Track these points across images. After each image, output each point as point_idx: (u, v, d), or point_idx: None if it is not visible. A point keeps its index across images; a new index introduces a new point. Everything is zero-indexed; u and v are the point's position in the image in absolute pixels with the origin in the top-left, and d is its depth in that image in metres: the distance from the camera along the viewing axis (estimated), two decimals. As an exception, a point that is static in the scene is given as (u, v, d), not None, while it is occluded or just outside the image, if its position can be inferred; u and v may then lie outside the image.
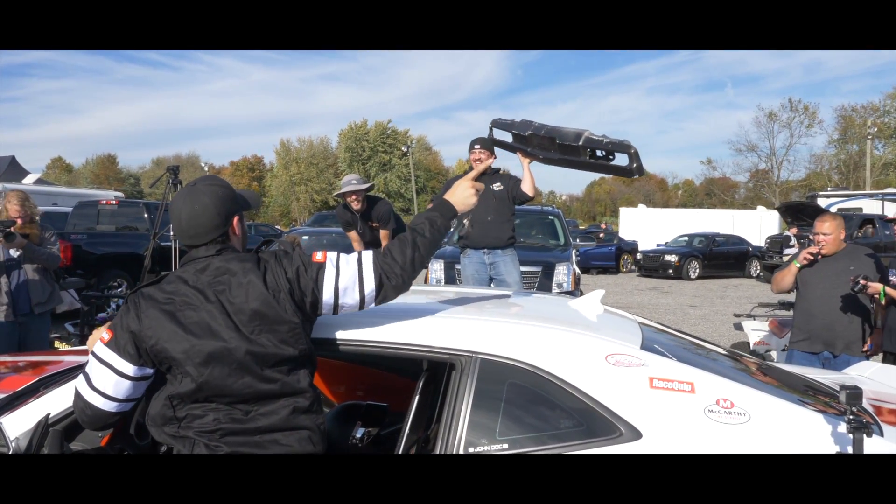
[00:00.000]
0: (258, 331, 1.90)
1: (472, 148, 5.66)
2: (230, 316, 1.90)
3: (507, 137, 5.19)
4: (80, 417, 1.99)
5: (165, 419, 1.93)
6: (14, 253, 4.73)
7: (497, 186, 5.66)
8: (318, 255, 2.06)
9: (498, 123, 5.19)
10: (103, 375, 1.92)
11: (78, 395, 1.97)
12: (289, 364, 1.95)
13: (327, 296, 2.01)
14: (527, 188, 5.49)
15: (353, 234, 6.43)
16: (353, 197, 5.99)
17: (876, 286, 3.92)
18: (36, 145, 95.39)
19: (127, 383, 1.92)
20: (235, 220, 2.06)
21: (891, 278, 4.03)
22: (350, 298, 2.04)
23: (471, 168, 5.71)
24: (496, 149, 5.51)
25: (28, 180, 17.90)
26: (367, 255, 2.08)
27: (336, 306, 2.04)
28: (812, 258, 4.40)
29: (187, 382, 1.88)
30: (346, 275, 2.03)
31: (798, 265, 4.49)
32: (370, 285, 2.04)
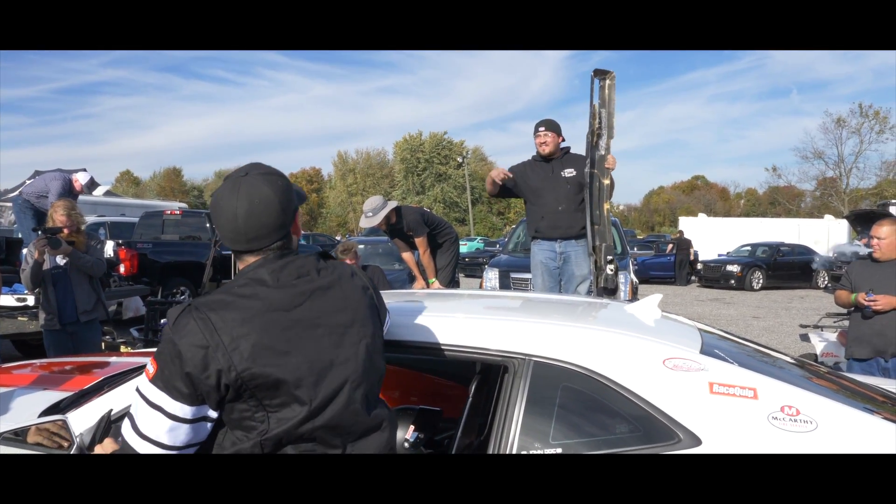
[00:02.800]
0: (361, 340, 1.65)
1: (536, 130, 5.38)
2: (332, 323, 1.62)
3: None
4: None
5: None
6: (60, 261, 4.87)
7: (569, 172, 5.33)
8: None
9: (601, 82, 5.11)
10: (152, 419, 1.52)
11: (125, 448, 1.57)
12: (380, 383, 1.75)
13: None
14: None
15: (397, 241, 6.63)
16: (376, 225, 6.20)
17: None
18: (106, 159, 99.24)
19: (184, 427, 1.53)
20: (297, 213, 1.73)
21: None
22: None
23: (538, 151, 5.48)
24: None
25: (98, 192, 18.58)
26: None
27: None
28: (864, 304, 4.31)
29: (293, 411, 1.52)
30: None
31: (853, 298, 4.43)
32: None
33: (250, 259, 1.64)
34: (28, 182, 8.66)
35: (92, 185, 8.34)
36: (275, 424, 1.52)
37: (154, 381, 1.51)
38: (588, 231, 5.12)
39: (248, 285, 1.57)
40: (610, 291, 5.08)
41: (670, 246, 21.81)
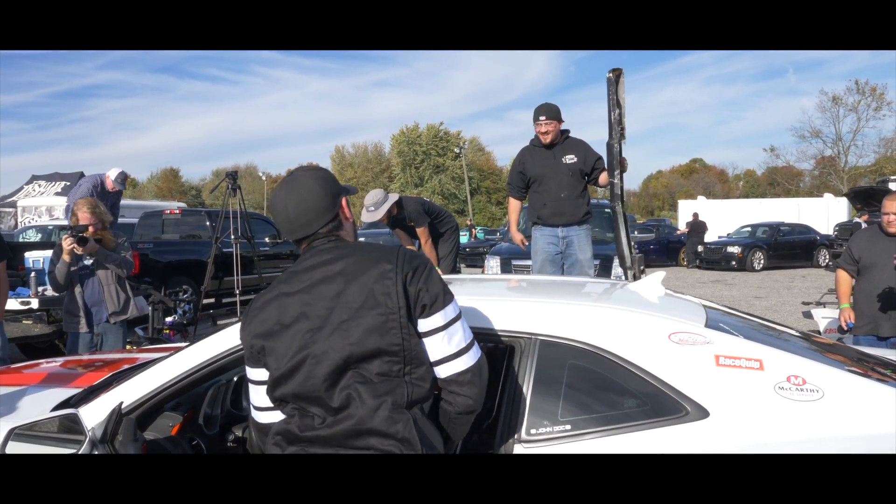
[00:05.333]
0: (335, 331, 1.68)
1: (536, 118, 5.32)
2: (318, 310, 1.71)
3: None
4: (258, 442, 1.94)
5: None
6: (87, 261, 4.77)
7: (570, 159, 5.31)
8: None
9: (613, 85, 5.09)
10: (253, 391, 1.85)
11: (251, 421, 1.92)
12: (383, 357, 1.69)
13: (436, 319, 1.73)
14: (604, 180, 5.29)
15: (398, 232, 6.68)
16: (379, 219, 6.29)
17: None
18: (104, 162, 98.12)
19: (262, 389, 1.81)
20: (343, 200, 1.89)
21: None
22: (439, 347, 1.73)
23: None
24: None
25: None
26: (481, 357, 1.81)
27: (429, 334, 1.74)
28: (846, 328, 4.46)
29: (272, 375, 1.75)
30: (463, 329, 1.78)
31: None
32: (465, 362, 1.75)
33: (305, 246, 1.85)
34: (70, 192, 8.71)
35: (123, 178, 8.28)
36: (271, 383, 1.76)
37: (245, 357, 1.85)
38: (623, 244, 4.98)
39: (285, 271, 1.84)
40: None
41: (686, 229, 21.87)
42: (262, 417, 1.83)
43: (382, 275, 1.70)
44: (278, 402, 1.77)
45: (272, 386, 1.74)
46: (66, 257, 4.62)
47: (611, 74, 4.89)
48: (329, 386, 1.67)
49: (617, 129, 4.85)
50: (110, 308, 4.86)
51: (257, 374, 1.80)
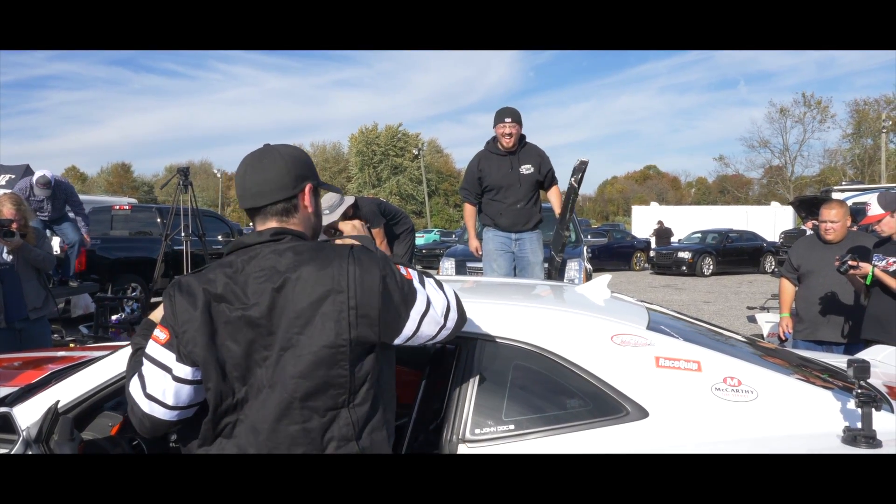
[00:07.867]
0: (285, 349, 1.57)
1: (501, 120, 5.28)
2: (263, 324, 1.57)
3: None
4: (138, 429, 1.71)
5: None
6: (7, 257, 4.74)
7: (527, 169, 5.37)
8: (403, 271, 1.68)
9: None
10: (159, 380, 1.63)
11: (133, 405, 1.67)
12: (330, 391, 1.58)
13: (409, 326, 1.64)
14: (553, 197, 5.69)
15: None
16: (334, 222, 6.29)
17: (865, 268, 3.72)
18: (53, 155, 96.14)
19: (186, 388, 1.64)
20: (308, 187, 1.72)
21: (875, 263, 3.82)
22: (429, 328, 1.67)
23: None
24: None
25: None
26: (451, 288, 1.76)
27: (412, 338, 1.67)
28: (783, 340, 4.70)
29: (220, 395, 1.59)
30: (438, 302, 1.69)
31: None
32: (454, 317, 1.72)
33: (258, 226, 1.70)
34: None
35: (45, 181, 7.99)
36: (212, 399, 1.60)
37: (165, 345, 1.63)
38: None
39: (217, 269, 1.62)
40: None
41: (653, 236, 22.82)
42: (162, 413, 1.64)
43: (337, 307, 1.55)
44: (218, 430, 1.63)
45: (221, 414, 1.60)
46: None
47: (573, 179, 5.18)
48: (277, 419, 1.57)
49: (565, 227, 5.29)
50: (30, 304, 4.83)
51: (182, 371, 1.61)
